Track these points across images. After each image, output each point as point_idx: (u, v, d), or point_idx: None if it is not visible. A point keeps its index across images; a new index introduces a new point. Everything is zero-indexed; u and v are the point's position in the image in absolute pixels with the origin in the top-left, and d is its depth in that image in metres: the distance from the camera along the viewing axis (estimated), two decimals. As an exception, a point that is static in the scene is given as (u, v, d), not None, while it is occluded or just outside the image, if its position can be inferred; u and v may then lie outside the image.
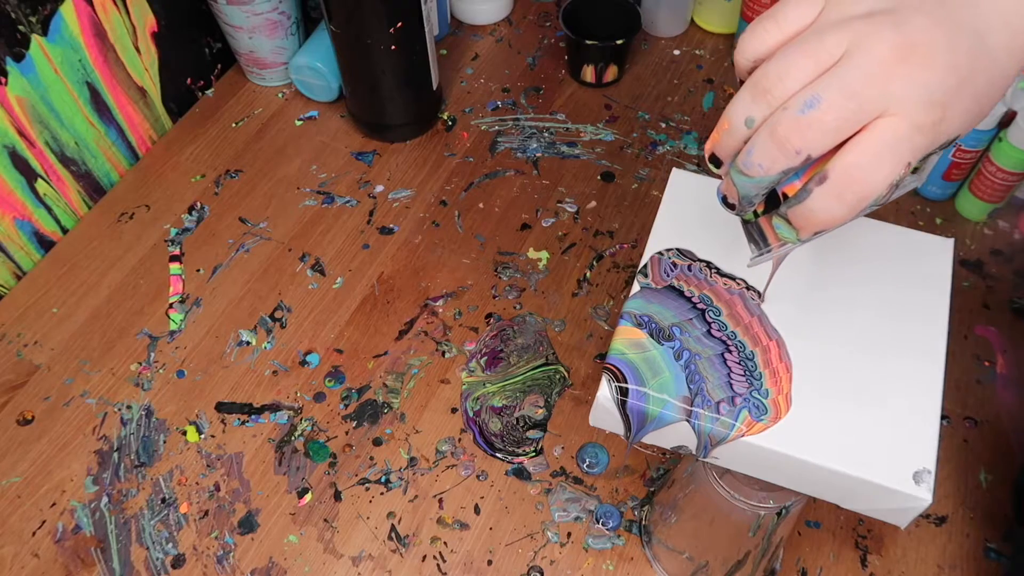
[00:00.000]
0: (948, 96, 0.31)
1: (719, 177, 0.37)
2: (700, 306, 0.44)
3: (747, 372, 0.41)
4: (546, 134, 0.81)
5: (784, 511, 0.43)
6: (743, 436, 0.39)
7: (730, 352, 0.42)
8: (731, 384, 0.41)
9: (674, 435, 0.41)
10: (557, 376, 0.65)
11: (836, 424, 0.40)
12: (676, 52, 0.87)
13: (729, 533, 0.47)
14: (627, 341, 0.43)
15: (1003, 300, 0.67)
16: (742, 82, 0.36)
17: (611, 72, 0.83)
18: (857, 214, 0.33)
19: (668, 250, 0.46)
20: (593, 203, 0.75)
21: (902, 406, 0.40)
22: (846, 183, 0.32)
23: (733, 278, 0.45)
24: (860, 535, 0.57)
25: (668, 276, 0.45)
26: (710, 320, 0.43)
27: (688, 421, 0.40)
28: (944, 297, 0.44)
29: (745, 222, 0.39)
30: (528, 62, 0.87)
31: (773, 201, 0.35)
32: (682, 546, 0.53)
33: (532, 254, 0.72)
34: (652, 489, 0.60)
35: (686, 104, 0.82)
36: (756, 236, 0.39)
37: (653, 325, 0.43)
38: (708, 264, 0.46)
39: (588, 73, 0.83)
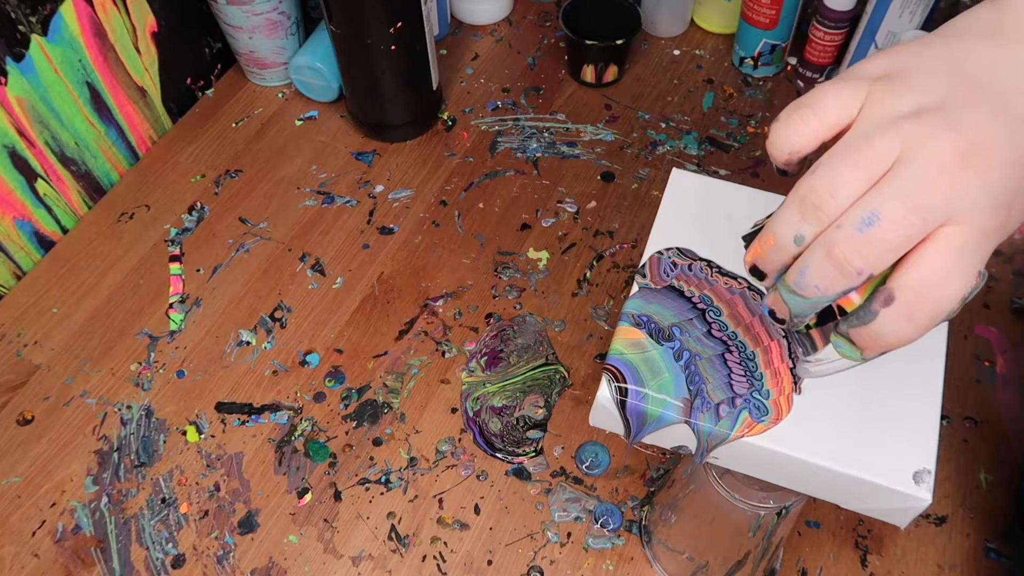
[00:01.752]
0: (1011, 194, 0.29)
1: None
2: (700, 306, 0.44)
3: (748, 373, 0.41)
4: (546, 134, 0.81)
5: (784, 511, 0.43)
6: (743, 437, 0.39)
7: (731, 352, 0.42)
8: (731, 385, 0.41)
9: (674, 436, 0.41)
10: (557, 376, 0.65)
11: (836, 424, 0.39)
12: (676, 52, 0.87)
13: (729, 533, 0.47)
14: (627, 341, 0.43)
15: (1003, 300, 0.67)
16: (779, 170, 0.34)
17: (611, 72, 0.83)
18: (928, 331, 0.31)
19: (668, 249, 0.46)
20: (593, 203, 0.75)
21: (902, 406, 0.40)
22: (917, 303, 0.29)
23: (735, 277, 0.45)
24: (860, 535, 0.57)
25: (668, 276, 0.45)
26: (710, 320, 0.43)
27: (688, 422, 0.40)
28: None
29: (796, 333, 0.38)
30: (528, 62, 0.87)
31: (826, 314, 0.32)
32: (682, 546, 0.53)
33: (532, 254, 0.72)
34: (652, 489, 0.60)
35: (686, 104, 0.82)
36: (807, 344, 0.38)
37: (652, 325, 0.43)
38: (709, 263, 0.45)
39: (588, 73, 0.83)
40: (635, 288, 0.45)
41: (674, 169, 0.50)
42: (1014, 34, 0.31)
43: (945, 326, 0.42)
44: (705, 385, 0.41)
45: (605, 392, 0.41)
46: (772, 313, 0.34)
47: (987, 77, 0.30)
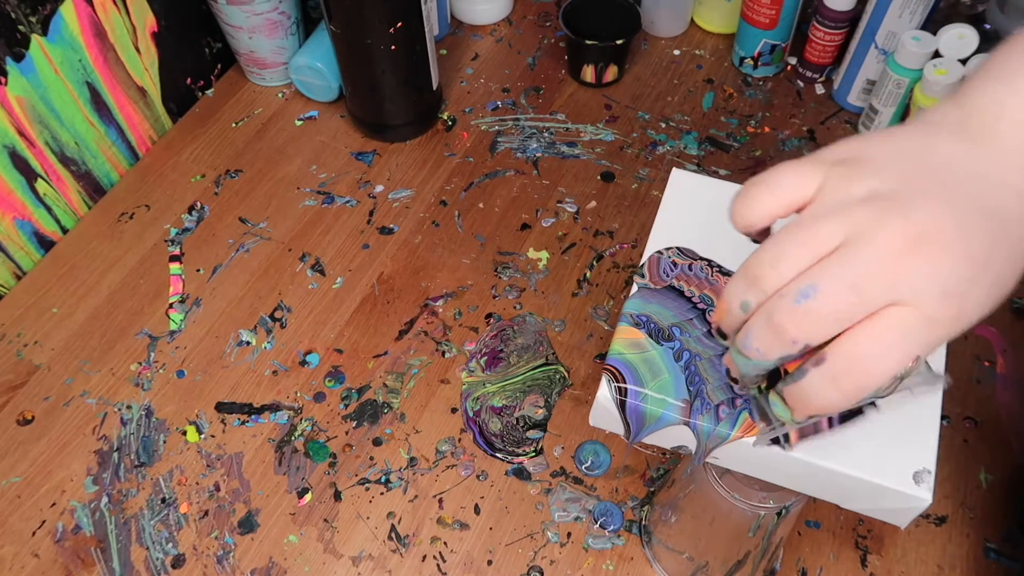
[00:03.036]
0: (965, 286, 0.29)
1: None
2: (701, 306, 0.44)
3: None
4: (546, 134, 0.81)
5: (784, 511, 0.43)
6: (743, 438, 0.39)
7: None
8: (731, 386, 0.40)
9: (674, 436, 0.41)
10: (557, 376, 0.65)
11: (856, 432, 0.39)
12: (676, 52, 0.87)
13: (729, 533, 0.47)
14: (626, 341, 0.42)
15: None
16: (751, 237, 0.35)
17: (611, 72, 0.83)
18: (857, 403, 0.31)
19: (668, 249, 0.46)
20: (593, 203, 0.75)
21: (901, 406, 0.40)
22: (844, 369, 0.30)
23: None
24: (860, 535, 0.57)
25: (668, 276, 0.45)
26: (711, 320, 0.43)
27: (687, 424, 0.40)
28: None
29: (751, 396, 0.38)
30: (528, 62, 0.87)
31: (775, 377, 0.34)
32: (682, 546, 0.53)
33: (532, 254, 0.72)
34: (652, 489, 0.60)
35: (686, 104, 0.82)
36: (757, 412, 0.38)
37: (652, 325, 0.43)
38: (709, 263, 0.45)
39: (588, 73, 0.83)
40: (635, 288, 0.45)
41: (674, 169, 0.50)
42: (976, 131, 0.32)
43: None
44: (705, 386, 0.41)
45: (605, 392, 0.41)
46: (728, 372, 0.35)
47: (946, 170, 0.31)
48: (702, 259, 0.46)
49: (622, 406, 0.41)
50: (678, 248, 0.46)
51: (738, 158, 0.78)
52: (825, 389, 0.31)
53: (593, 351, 0.66)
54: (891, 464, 0.38)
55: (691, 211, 0.48)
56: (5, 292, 0.72)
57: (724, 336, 0.34)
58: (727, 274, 0.45)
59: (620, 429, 0.42)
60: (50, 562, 0.58)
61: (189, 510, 0.60)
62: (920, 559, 0.56)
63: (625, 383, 0.41)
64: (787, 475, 0.40)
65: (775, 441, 0.38)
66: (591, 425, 0.44)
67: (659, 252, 0.46)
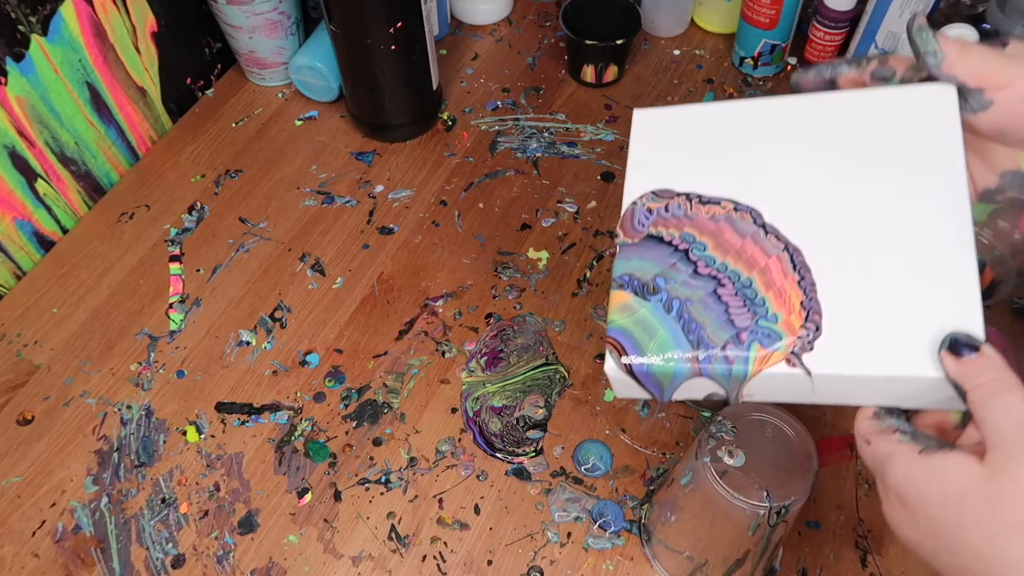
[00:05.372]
0: None
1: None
2: (682, 247, 0.41)
3: (747, 301, 0.38)
4: (546, 134, 0.81)
5: (784, 511, 0.43)
6: (768, 369, 0.37)
7: (723, 286, 0.39)
8: (732, 321, 0.38)
9: (699, 386, 0.39)
10: (557, 376, 0.65)
11: (870, 325, 0.36)
12: (676, 52, 0.87)
13: (729, 532, 0.47)
14: (618, 307, 0.40)
15: (1003, 300, 0.67)
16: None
17: (611, 72, 0.83)
18: None
19: (641, 196, 0.43)
20: (593, 203, 0.75)
21: (935, 285, 0.36)
22: None
23: (718, 203, 0.41)
24: (860, 535, 0.57)
25: (643, 226, 0.42)
26: (695, 259, 0.40)
27: (700, 374, 0.38)
28: (956, 154, 0.39)
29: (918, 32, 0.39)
30: (528, 62, 0.87)
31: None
32: (682, 545, 0.53)
33: (532, 254, 0.72)
34: (652, 489, 0.60)
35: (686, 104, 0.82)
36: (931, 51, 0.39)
37: (636, 283, 0.40)
38: (688, 196, 0.42)
39: (588, 73, 0.83)
40: (617, 250, 0.42)
41: (636, 110, 0.46)
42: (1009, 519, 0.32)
43: (964, 191, 0.38)
44: (703, 330, 0.38)
45: (612, 365, 0.39)
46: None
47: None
48: (679, 195, 0.42)
49: (633, 375, 0.39)
50: (652, 192, 0.43)
51: (738, 158, 0.78)
52: None
53: (593, 351, 0.66)
54: (934, 352, 0.35)
55: (663, 148, 0.44)
56: (5, 292, 0.72)
57: None
58: (708, 202, 0.42)
59: (646, 395, 0.40)
60: (50, 562, 0.58)
61: (189, 510, 0.60)
62: (920, 559, 0.56)
63: (626, 353, 0.39)
64: (832, 393, 0.38)
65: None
66: (618, 398, 0.42)
67: (633, 203, 0.43)
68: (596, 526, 0.58)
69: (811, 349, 0.37)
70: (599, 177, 0.77)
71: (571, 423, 0.63)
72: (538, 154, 0.79)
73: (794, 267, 0.39)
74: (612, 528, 0.58)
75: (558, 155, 0.79)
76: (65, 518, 0.59)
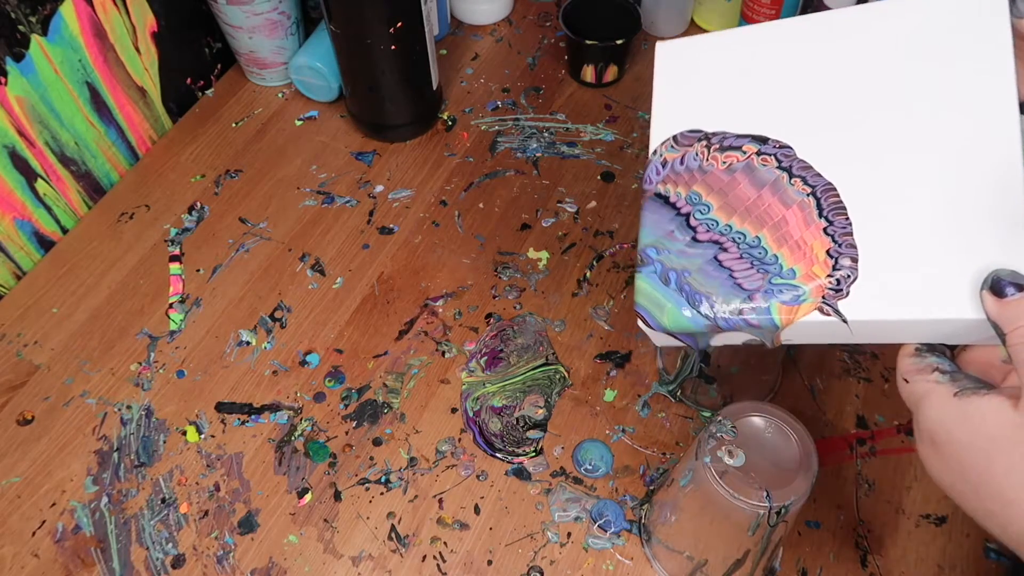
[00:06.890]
0: None
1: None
2: (685, 209, 0.39)
3: (756, 262, 0.37)
4: (546, 134, 0.81)
5: (784, 510, 0.43)
6: (801, 319, 0.35)
7: (725, 251, 0.37)
8: (739, 284, 0.37)
9: (736, 335, 0.37)
10: (557, 376, 0.65)
11: (907, 264, 0.35)
12: (676, 52, 0.87)
13: (728, 532, 0.47)
14: (637, 279, 0.39)
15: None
16: None
17: (611, 72, 0.83)
18: None
19: (663, 143, 0.40)
20: (593, 203, 0.75)
21: (978, 221, 0.34)
22: None
23: (740, 147, 0.38)
24: (860, 535, 0.57)
25: (653, 183, 0.40)
26: (695, 224, 0.38)
27: (722, 332, 0.37)
28: (1006, 65, 0.35)
29: None
30: (528, 62, 0.87)
31: None
32: (682, 545, 0.53)
33: (532, 254, 0.72)
34: (652, 488, 0.60)
35: (686, 104, 0.82)
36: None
37: (642, 252, 0.39)
38: (708, 141, 0.39)
39: (588, 73, 0.83)
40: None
41: (658, 43, 0.43)
42: None
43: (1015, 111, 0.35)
44: (711, 299, 0.37)
45: (642, 327, 0.38)
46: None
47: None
48: (699, 141, 0.39)
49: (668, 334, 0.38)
50: (673, 139, 0.40)
51: (738, 158, 0.78)
52: None
53: (593, 351, 0.66)
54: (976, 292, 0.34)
55: (688, 84, 0.41)
56: (5, 292, 0.72)
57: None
58: (727, 149, 0.39)
59: (682, 344, 0.39)
60: (50, 562, 0.58)
61: (189, 510, 0.60)
62: (920, 559, 0.56)
63: (648, 325, 0.38)
64: (875, 334, 0.36)
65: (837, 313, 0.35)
66: (657, 347, 0.41)
67: (653, 152, 0.40)
68: (596, 526, 0.58)
69: (846, 295, 0.35)
70: (599, 177, 0.77)
71: (571, 423, 0.63)
72: (538, 154, 0.79)
73: (820, 213, 0.37)
74: (612, 528, 0.58)
75: (558, 155, 0.79)
76: (65, 518, 0.59)
